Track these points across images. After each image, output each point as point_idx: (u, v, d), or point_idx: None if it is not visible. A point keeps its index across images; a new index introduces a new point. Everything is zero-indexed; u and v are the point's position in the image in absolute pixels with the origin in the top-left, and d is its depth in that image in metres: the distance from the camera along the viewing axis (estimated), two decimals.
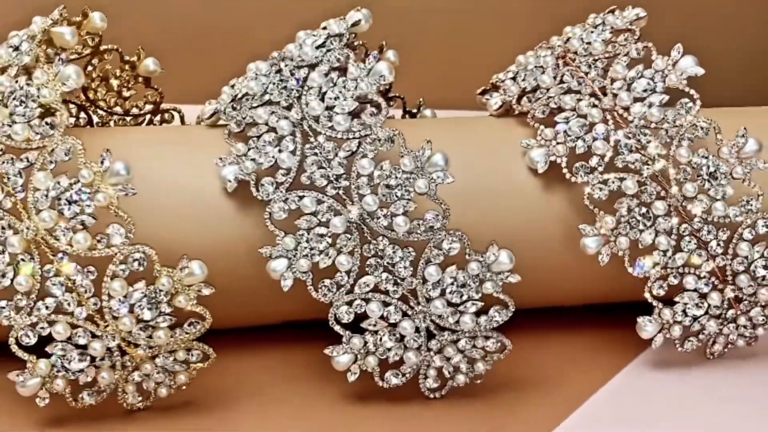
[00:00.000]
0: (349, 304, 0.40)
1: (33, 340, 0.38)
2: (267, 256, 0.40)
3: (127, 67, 0.48)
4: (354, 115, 0.40)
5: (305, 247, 0.39)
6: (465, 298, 0.40)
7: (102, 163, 0.38)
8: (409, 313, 0.40)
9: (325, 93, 0.41)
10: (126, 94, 0.49)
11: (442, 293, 0.40)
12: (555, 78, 0.44)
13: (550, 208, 0.43)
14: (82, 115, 0.48)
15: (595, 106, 0.43)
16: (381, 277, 0.40)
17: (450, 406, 0.41)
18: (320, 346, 0.42)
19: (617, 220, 0.42)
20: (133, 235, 0.38)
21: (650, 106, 0.42)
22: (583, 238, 0.42)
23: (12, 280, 0.38)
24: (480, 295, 0.40)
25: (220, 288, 0.39)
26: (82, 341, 0.38)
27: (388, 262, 0.40)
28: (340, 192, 0.40)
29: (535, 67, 0.45)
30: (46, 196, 0.37)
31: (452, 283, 0.40)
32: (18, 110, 0.38)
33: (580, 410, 0.42)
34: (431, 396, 0.42)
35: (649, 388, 0.43)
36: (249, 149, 0.40)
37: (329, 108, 0.40)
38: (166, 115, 0.50)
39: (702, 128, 0.42)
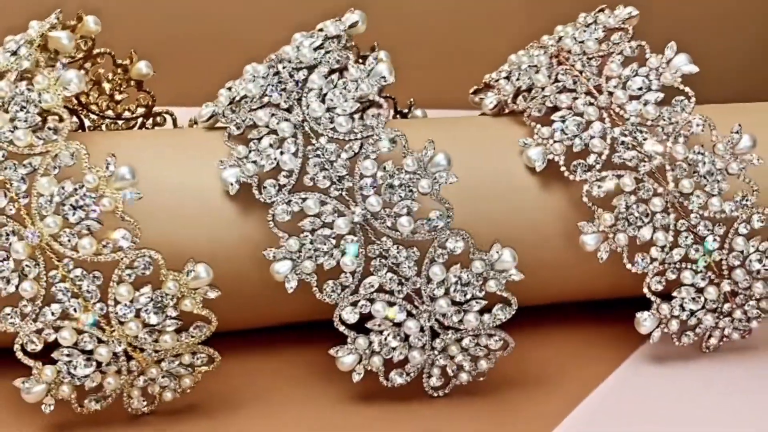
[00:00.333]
0: (354, 304, 0.40)
1: (39, 347, 0.38)
2: (271, 258, 0.40)
3: (119, 70, 0.48)
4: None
5: (309, 249, 0.39)
6: (469, 296, 0.40)
7: (107, 167, 0.38)
8: (414, 312, 0.40)
9: (325, 95, 0.41)
10: (118, 97, 0.48)
11: (447, 292, 0.40)
12: (549, 77, 0.44)
13: (549, 206, 0.44)
14: (74, 119, 0.48)
15: (591, 104, 0.43)
16: (386, 277, 0.40)
17: (453, 404, 0.42)
18: (322, 347, 0.42)
19: (615, 216, 0.42)
20: (139, 240, 0.38)
21: (646, 103, 0.43)
22: (582, 236, 0.42)
23: (17, 287, 0.37)
24: (484, 293, 0.40)
25: (222, 290, 0.39)
26: (88, 347, 0.38)
27: (392, 262, 0.40)
28: (343, 193, 0.40)
29: (529, 66, 0.45)
30: (51, 201, 0.37)
31: (456, 282, 0.40)
32: (20, 115, 0.38)
33: (581, 407, 0.42)
34: (435, 395, 0.42)
35: (648, 383, 0.44)
36: (250, 152, 0.40)
37: (330, 109, 0.40)
38: (159, 118, 0.50)
39: (697, 125, 0.43)
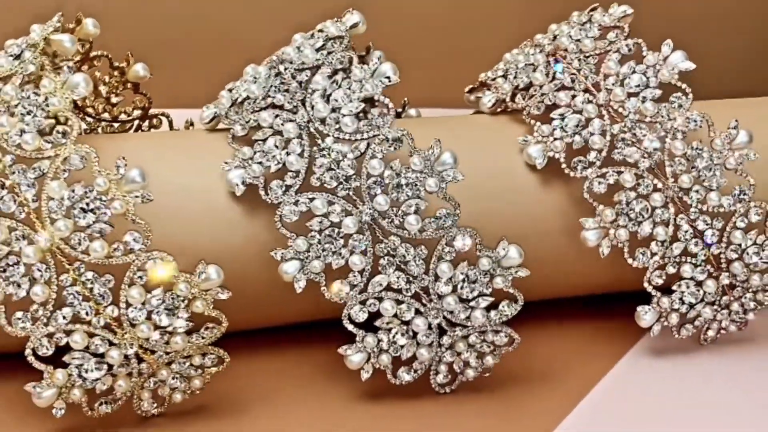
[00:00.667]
0: (363, 303, 0.40)
1: (50, 351, 0.38)
2: (279, 258, 0.40)
3: (116, 73, 0.48)
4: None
5: (318, 249, 0.40)
6: (476, 293, 0.41)
7: (117, 170, 0.38)
8: (422, 310, 0.41)
9: (329, 95, 0.41)
10: (114, 100, 0.48)
11: (454, 289, 0.40)
12: (547, 75, 0.45)
13: (550, 203, 0.44)
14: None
15: (590, 101, 0.44)
16: (394, 275, 0.40)
17: (459, 400, 0.42)
18: (327, 347, 0.42)
19: (616, 212, 0.43)
20: (150, 242, 0.38)
21: (644, 100, 0.43)
22: (583, 231, 0.43)
23: (28, 291, 0.37)
24: (491, 290, 0.41)
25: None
26: (100, 350, 0.38)
27: (400, 261, 0.40)
28: (351, 193, 0.40)
29: (526, 64, 0.46)
30: (61, 205, 0.37)
31: (464, 280, 0.40)
32: (27, 119, 0.38)
33: (584, 402, 0.42)
34: (441, 391, 0.42)
35: (649, 377, 0.44)
36: (255, 153, 0.41)
37: (335, 110, 0.41)
38: (155, 120, 0.50)
39: (695, 121, 0.43)
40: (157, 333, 0.38)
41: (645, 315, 0.44)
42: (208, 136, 0.44)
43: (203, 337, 0.39)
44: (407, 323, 0.41)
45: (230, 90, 0.43)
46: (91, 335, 0.38)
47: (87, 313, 0.38)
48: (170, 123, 0.50)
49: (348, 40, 0.42)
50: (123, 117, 0.49)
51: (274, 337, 0.45)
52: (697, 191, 0.43)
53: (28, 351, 0.38)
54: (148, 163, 0.40)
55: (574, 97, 0.44)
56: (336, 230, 0.40)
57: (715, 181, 0.43)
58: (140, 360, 0.39)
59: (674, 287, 0.44)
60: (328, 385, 0.43)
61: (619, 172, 0.43)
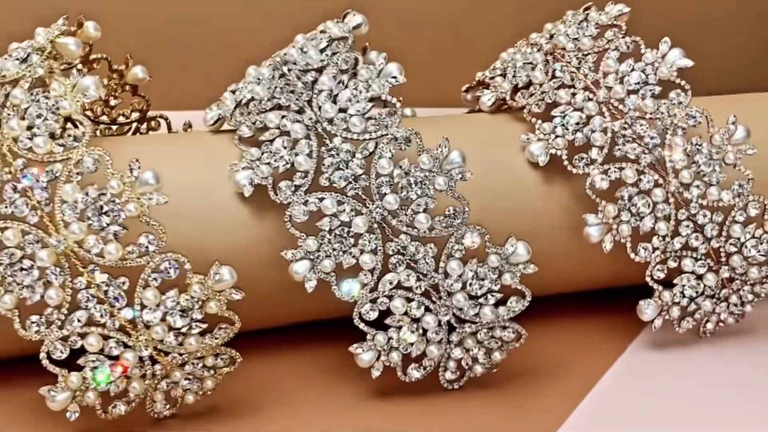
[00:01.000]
0: (373, 301, 0.41)
1: (65, 354, 0.38)
2: (289, 258, 0.40)
3: (114, 75, 0.48)
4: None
5: (328, 248, 0.40)
6: (485, 290, 0.41)
7: (131, 172, 0.38)
8: (432, 307, 0.41)
9: (336, 95, 0.41)
10: (112, 102, 0.48)
11: (464, 286, 0.41)
12: (546, 74, 0.45)
13: (552, 199, 0.45)
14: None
15: (590, 99, 0.44)
16: (404, 273, 0.40)
17: (467, 396, 0.42)
18: (333, 346, 0.43)
19: (618, 208, 0.43)
20: (165, 243, 0.38)
21: (644, 97, 0.44)
22: (586, 227, 0.44)
23: (42, 295, 0.37)
24: (499, 286, 0.41)
25: None
26: (114, 352, 0.38)
27: (410, 259, 0.41)
28: (360, 192, 0.40)
29: (525, 63, 0.46)
30: (75, 208, 0.37)
31: (473, 277, 0.41)
32: (38, 123, 0.38)
33: (588, 397, 0.43)
34: (449, 387, 0.43)
35: (651, 370, 0.45)
36: (263, 153, 0.41)
37: (342, 110, 0.41)
38: (153, 123, 0.50)
39: (694, 117, 0.44)
40: (171, 334, 0.38)
41: (647, 309, 0.44)
42: (214, 137, 0.44)
43: (216, 338, 0.39)
44: (417, 321, 0.41)
45: (233, 92, 0.43)
46: (105, 338, 0.38)
47: (102, 316, 0.38)
48: (168, 125, 0.50)
49: (352, 40, 0.43)
50: (121, 119, 0.49)
51: (281, 336, 0.46)
52: (697, 186, 0.44)
53: (42, 355, 0.38)
54: (154, 164, 0.40)
55: (574, 95, 0.44)
56: (346, 230, 0.40)
57: (714, 176, 0.44)
58: (154, 362, 0.39)
59: (675, 281, 0.44)
60: (337, 383, 0.43)
61: (621, 169, 0.43)
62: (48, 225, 0.37)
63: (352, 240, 0.40)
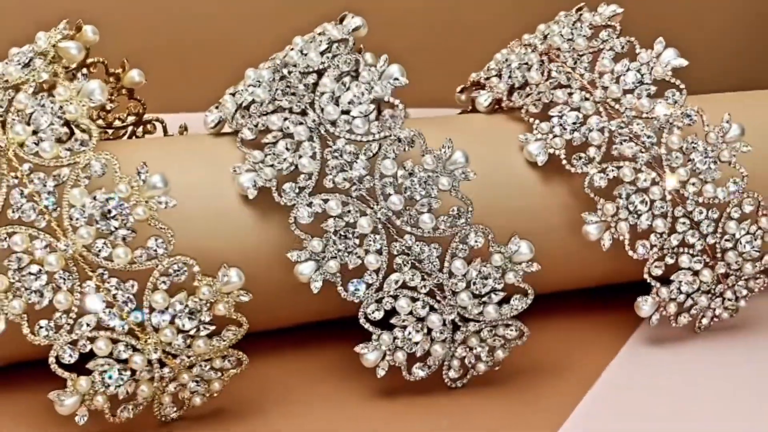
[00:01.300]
0: (378, 302, 0.41)
1: (74, 358, 0.38)
2: (295, 259, 0.40)
3: (111, 79, 0.48)
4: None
5: (333, 249, 0.40)
6: (488, 289, 0.41)
7: (139, 176, 0.38)
8: (436, 307, 0.41)
9: (338, 98, 0.41)
10: (108, 106, 0.48)
11: (468, 285, 0.41)
12: (542, 74, 0.46)
13: (551, 198, 0.45)
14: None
15: (587, 99, 0.45)
16: (409, 273, 0.41)
17: (471, 394, 0.43)
18: (337, 345, 0.43)
19: (617, 206, 0.44)
20: (173, 247, 0.38)
21: (640, 97, 0.45)
22: (585, 226, 0.44)
23: (51, 299, 0.37)
24: (503, 285, 0.42)
25: None
26: (123, 356, 0.38)
27: (415, 259, 0.41)
28: (364, 193, 0.41)
29: (520, 63, 0.47)
30: (83, 212, 0.37)
31: (477, 275, 0.41)
32: (43, 127, 0.38)
33: (590, 394, 0.43)
34: (453, 386, 0.43)
35: (649, 365, 0.45)
36: (266, 156, 0.41)
37: (345, 112, 0.41)
38: (149, 126, 0.50)
39: (690, 116, 0.45)
40: (180, 337, 0.38)
41: (644, 305, 0.45)
42: (213, 140, 0.44)
43: (224, 340, 0.39)
44: (422, 320, 0.41)
45: (233, 94, 0.43)
46: (114, 341, 0.38)
47: (111, 319, 0.38)
48: (164, 128, 0.50)
49: (353, 42, 0.43)
50: (117, 123, 0.49)
51: (285, 337, 0.46)
52: (693, 183, 0.44)
53: (51, 359, 0.38)
54: (157, 168, 0.41)
55: (571, 94, 0.45)
56: (351, 230, 0.40)
57: (710, 174, 0.45)
58: (162, 365, 0.39)
59: (672, 277, 0.45)
60: (342, 383, 0.43)
61: (619, 167, 0.44)
62: (56, 229, 0.37)
63: (357, 240, 0.40)
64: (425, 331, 0.41)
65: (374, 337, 0.41)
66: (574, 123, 0.44)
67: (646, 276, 0.45)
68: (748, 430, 0.41)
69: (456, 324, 0.42)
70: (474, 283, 0.41)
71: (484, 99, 0.48)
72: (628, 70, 0.45)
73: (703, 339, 0.47)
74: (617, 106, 0.45)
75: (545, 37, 0.48)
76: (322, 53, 0.42)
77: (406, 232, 0.41)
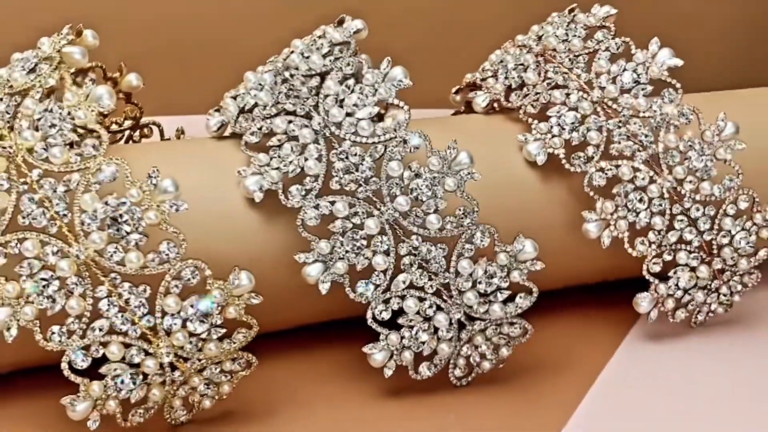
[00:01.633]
0: (386, 302, 0.41)
1: (87, 363, 0.38)
2: (302, 261, 0.41)
3: (108, 83, 0.47)
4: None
5: (341, 251, 0.41)
6: (494, 287, 0.42)
7: (150, 180, 0.38)
8: (443, 306, 0.42)
9: (342, 100, 0.42)
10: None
11: (474, 285, 0.42)
12: (539, 75, 0.47)
13: (551, 197, 0.46)
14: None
15: (584, 99, 0.45)
16: (416, 273, 0.41)
17: (476, 392, 0.43)
18: (343, 346, 0.43)
19: (616, 204, 0.45)
20: (185, 250, 0.38)
21: (636, 96, 0.45)
22: (585, 224, 0.45)
23: (63, 305, 0.37)
24: (508, 284, 0.42)
25: None
26: (136, 360, 0.38)
27: (422, 259, 0.41)
28: (371, 194, 0.41)
29: (516, 65, 0.47)
30: (95, 217, 0.37)
31: (483, 275, 0.42)
32: (52, 133, 0.38)
33: (592, 391, 0.44)
34: (458, 384, 0.43)
35: (648, 361, 0.46)
36: (271, 159, 0.41)
37: (350, 114, 0.41)
38: (146, 130, 0.50)
39: (686, 115, 0.45)
40: (192, 340, 0.38)
41: (643, 302, 0.46)
42: (215, 143, 0.44)
43: (234, 342, 0.39)
44: (429, 319, 0.42)
45: (234, 98, 0.44)
46: (126, 346, 0.38)
47: (123, 324, 0.38)
48: (161, 132, 0.50)
49: (355, 45, 0.43)
50: (114, 127, 0.49)
51: (292, 338, 0.46)
52: (690, 181, 0.45)
53: (64, 364, 0.38)
54: (162, 172, 0.41)
55: (568, 95, 0.46)
56: (358, 232, 0.41)
57: (706, 171, 0.45)
58: (174, 368, 0.39)
59: (670, 273, 0.46)
60: (349, 383, 0.44)
61: (617, 166, 0.45)
62: (67, 235, 0.37)
63: (364, 242, 0.41)
64: (432, 330, 0.42)
65: (382, 337, 0.41)
66: (573, 123, 0.45)
67: (644, 273, 0.45)
68: (746, 423, 0.42)
69: (462, 323, 0.42)
70: (480, 282, 0.42)
71: (481, 100, 0.48)
72: (624, 70, 0.46)
73: (699, 334, 0.48)
74: (615, 106, 0.45)
75: (539, 38, 0.48)
76: (324, 56, 0.43)
77: (413, 232, 0.41)
